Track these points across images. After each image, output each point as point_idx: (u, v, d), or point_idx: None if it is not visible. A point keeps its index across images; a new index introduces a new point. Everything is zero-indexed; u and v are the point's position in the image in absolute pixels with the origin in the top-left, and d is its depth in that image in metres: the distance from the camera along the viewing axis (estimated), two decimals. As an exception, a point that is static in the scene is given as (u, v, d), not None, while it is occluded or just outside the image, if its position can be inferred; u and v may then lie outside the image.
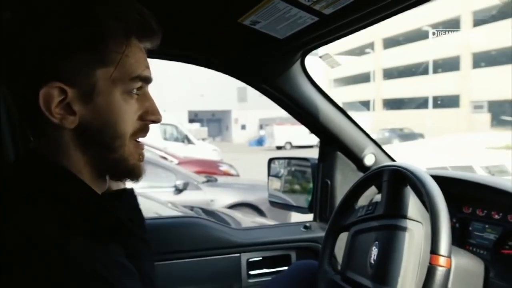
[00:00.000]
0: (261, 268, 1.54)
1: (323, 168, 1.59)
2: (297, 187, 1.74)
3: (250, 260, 1.53)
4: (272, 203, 1.83)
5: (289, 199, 1.76)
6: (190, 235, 1.48)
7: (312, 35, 1.14)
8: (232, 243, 1.51)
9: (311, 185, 1.64)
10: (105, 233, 0.65)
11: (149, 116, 0.71)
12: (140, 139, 0.74)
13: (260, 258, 1.55)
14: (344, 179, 1.55)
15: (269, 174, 1.82)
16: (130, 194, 0.90)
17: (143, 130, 0.73)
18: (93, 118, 0.65)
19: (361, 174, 1.51)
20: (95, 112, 0.65)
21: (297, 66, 1.35)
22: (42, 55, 0.63)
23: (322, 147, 1.60)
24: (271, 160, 1.83)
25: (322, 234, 1.44)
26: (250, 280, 1.52)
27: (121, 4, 0.66)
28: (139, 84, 0.68)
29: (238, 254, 1.52)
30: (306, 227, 1.62)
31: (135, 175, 0.72)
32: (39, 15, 0.63)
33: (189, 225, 1.52)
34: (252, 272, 1.52)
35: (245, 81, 1.43)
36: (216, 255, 1.50)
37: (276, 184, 1.80)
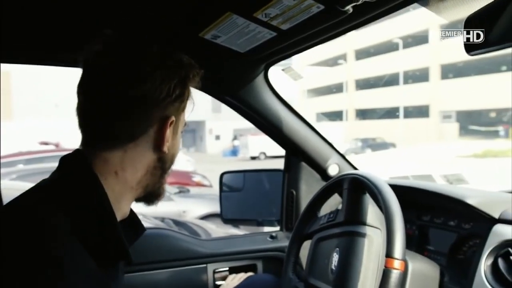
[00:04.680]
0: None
1: (288, 178, 1.62)
2: (255, 200, 1.72)
3: (217, 270, 1.54)
4: (226, 220, 1.78)
5: (249, 212, 1.72)
6: (157, 247, 1.47)
7: (272, 49, 1.17)
8: (199, 254, 1.52)
9: (272, 196, 1.66)
10: (105, 256, 0.69)
11: None
12: None
13: (227, 268, 1.55)
14: (309, 188, 1.58)
15: (221, 190, 1.75)
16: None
17: None
18: (169, 149, 0.79)
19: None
20: (173, 146, 0.80)
21: (260, 78, 1.38)
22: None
23: (287, 157, 1.62)
24: (223, 175, 1.77)
25: (288, 243, 1.46)
26: None
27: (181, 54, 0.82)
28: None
29: (204, 265, 1.52)
30: (272, 236, 1.63)
31: (159, 200, 0.86)
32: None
33: (155, 236, 1.51)
34: (218, 283, 1.52)
35: (209, 93, 1.44)
36: (182, 266, 1.50)
37: (232, 199, 1.76)
